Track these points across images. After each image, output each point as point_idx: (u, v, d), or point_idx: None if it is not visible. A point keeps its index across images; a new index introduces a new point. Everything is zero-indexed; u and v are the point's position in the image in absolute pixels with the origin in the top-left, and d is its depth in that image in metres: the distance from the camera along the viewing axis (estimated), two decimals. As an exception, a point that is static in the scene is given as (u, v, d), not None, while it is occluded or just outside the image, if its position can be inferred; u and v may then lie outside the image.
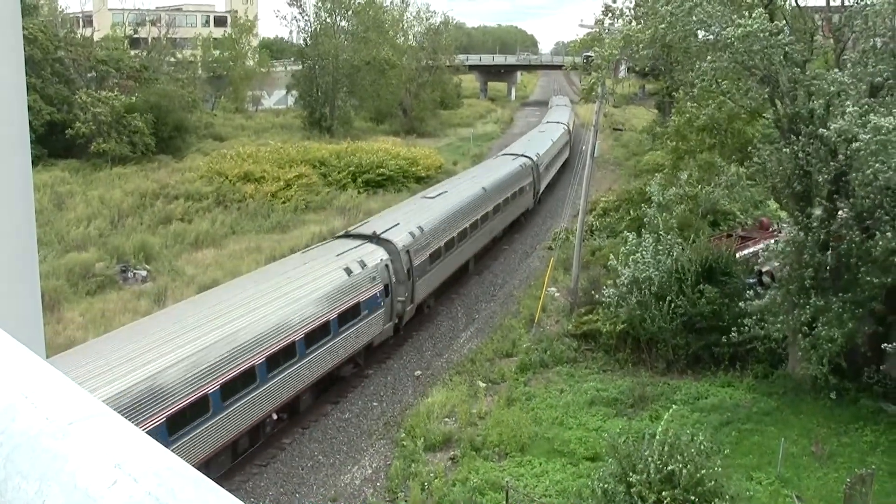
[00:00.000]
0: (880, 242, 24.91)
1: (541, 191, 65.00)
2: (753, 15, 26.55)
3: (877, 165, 23.20)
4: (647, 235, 35.37)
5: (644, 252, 34.14)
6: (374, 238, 35.63)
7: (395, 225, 37.90)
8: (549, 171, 69.70)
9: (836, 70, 26.82)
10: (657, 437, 21.16)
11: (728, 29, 26.48)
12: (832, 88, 25.88)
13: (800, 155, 26.87)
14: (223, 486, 1.50)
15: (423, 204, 44.49)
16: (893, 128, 22.63)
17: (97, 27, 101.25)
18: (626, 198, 53.45)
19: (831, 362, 27.29)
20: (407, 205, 46.04)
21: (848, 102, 24.65)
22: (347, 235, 37.17)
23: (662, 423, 23.29)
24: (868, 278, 26.27)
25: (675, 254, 33.73)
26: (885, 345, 26.42)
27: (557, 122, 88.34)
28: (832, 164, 26.27)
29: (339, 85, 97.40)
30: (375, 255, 34.11)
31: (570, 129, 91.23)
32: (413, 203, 46.07)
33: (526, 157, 62.50)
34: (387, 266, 34.34)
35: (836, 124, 24.06)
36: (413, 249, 36.92)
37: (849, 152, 24.76)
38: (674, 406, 27.80)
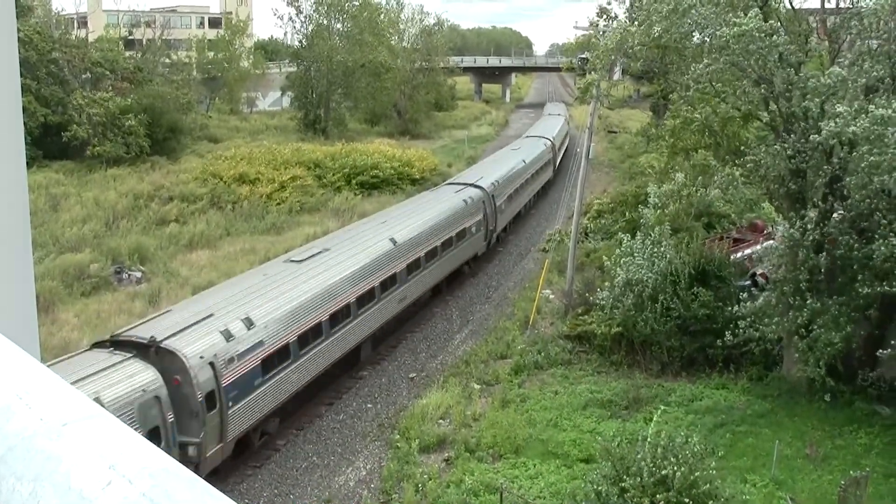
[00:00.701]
0: (882, 248, 24.87)
1: (498, 229, 51.91)
2: (749, 14, 26.56)
3: (871, 159, 23.20)
4: (641, 237, 35.37)
5: (638, 254, 34.15)
6: (151, 348, 23.61)
7: (204, 318, 25.61)
8: (515, 201, 57.66)
9: (834, 67, 26.83)
10: (649, 439, 21.17)
11: (723, 28, 26.49)
12: (829, 80, 25.77)
13: (790, 153, 26.85)
14: (217, 487, 1.51)
15: (280, 273, 30.93)
16: (888, 118, 22.63)
17: (92, 28, 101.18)
18: (620, 200, 53.48)
19: (828, 364, 27.32)
20: (254, 276, 31.56)
21: (838, 105, 24.61)
22: (114, 342, 24.30)
23: (653, 425, 23.30)
24: (865, 289, 26.24)
25: (668, 256, 33.75)
26: (880, 351, 26.44)
27: (540, 137, 77.67)
28: (826, 167, 26.27)
29: (334, 87, 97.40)
30: (135, 383, 22.15)
31: (557, 144, 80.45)
32: (265, 272, 31.69)
33: (477, 187, 49.18)
34: (157, 398, 22.48)
35: (828, 127, 24.04)
36: (225, 358, 24.68)
37: (843, 154, 24.74)
38: (662, 407, 27.81)
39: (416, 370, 34.47)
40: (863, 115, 23.20)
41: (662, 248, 33.87)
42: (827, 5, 30.73)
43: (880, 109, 22.98)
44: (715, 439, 26.22)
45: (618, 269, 34.31)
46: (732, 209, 42.28)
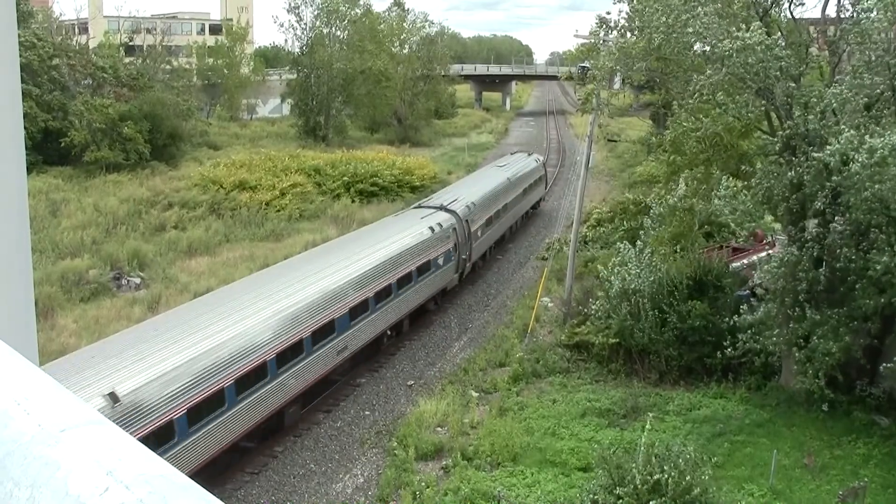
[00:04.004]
0: (881, 261, 24.82)
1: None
2: (751, 28, 26.51)
3: (875, 188, 23.12)
4: (634, 247, 35.28)
5: (632, 263, 34.09)
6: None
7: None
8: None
9: (835, 84, 26.78)
10: (641, 447, 21.16)
11: (725, 41, 26.44)
12: (834, 103, 25.75)
13: (793, 173, 26.79)
14: (214, 494, 1.51)
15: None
16: (889, 151, 22.57)
17: (93, 35, 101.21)
18: (620, 209, 53.49)
19: (827, 375, 27.26)
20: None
21: (843, 126, 24.52)
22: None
23: (645, 433, 23.28)
24: (866, 301, 26.19)
25: (664, 267, 33.71)
26: (883, 366, 26.35)
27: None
28: (827, 184, 26.15)
29: (334, 94, 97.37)
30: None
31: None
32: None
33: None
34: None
35: (832, 148, 23.97)
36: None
37: (844, 174, 24.63)
38: (650, 414, 27.75)
39: (415, 378, 34.44)
40: (861, 148, 23.07)
41: (657, 258, 33.82)
42: (828, 15, 30.71)
43: (877, 141, 22.87)
44: (713, 448, 26.19)
45: (613, 278, 34.30)
46: (733, 219, 42.25)
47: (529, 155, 69.03)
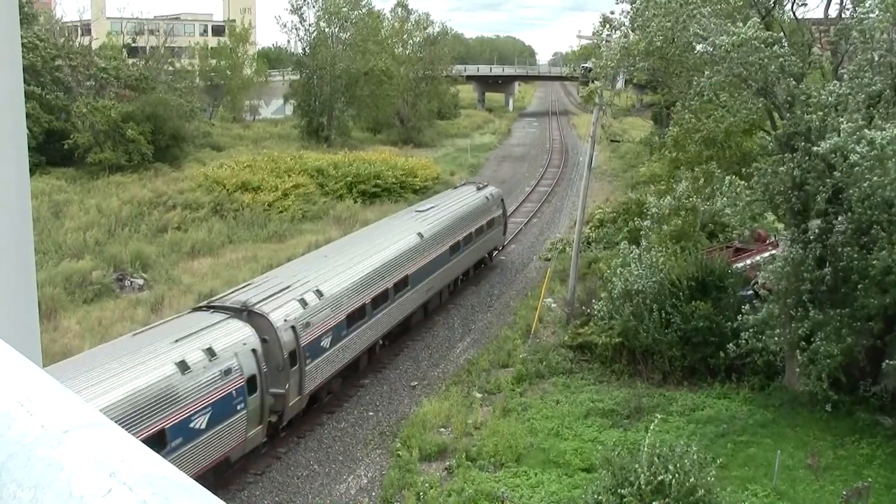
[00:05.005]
0: (880, 255, 24.82)
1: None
2: (748, 23, 26.50)
3: (874, 179, 23.12)
4: (635, 248, 35.26)
5: (634, 264, 34.07)
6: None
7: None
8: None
9: (835, 82, 26.78)
10: (645, 448, 21.13)
11: (722, 37, 26.42)
12: (830, 99, 25.77)
13: (795, 172, 26.77)
14: (217, 495, 1.50)
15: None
16: (888, 142, 22.56)
17: (95, 36, 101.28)
18: (623, 209, 53.41)
19: (830, 377, 27.23)
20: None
21: (842, 120, 24.53)
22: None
23: (649, 435, 23.26)
24: (870, 300, 26.17)
25: (666, 267, 33.65)
26: (885, 362, 26.35)
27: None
28: (829, 180, 26.15)
29: (337, 95, 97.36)
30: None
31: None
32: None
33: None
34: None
35: (831, 141, 23.96)
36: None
37: (844, 168, 24.62)
38: (658, 416, 27.73)
39: (418, 378, 34.42)
40: (863, 141, 23.07)
41: (659, 259, 33.75)
42: (830, 15, 30.69)
43: (877, 133, 22.86)
44: (716, 449, 26.15)
45: (615, 278, 34.25)
46: (735, 219, 42.11)
47: (480, 189, 51.00)
